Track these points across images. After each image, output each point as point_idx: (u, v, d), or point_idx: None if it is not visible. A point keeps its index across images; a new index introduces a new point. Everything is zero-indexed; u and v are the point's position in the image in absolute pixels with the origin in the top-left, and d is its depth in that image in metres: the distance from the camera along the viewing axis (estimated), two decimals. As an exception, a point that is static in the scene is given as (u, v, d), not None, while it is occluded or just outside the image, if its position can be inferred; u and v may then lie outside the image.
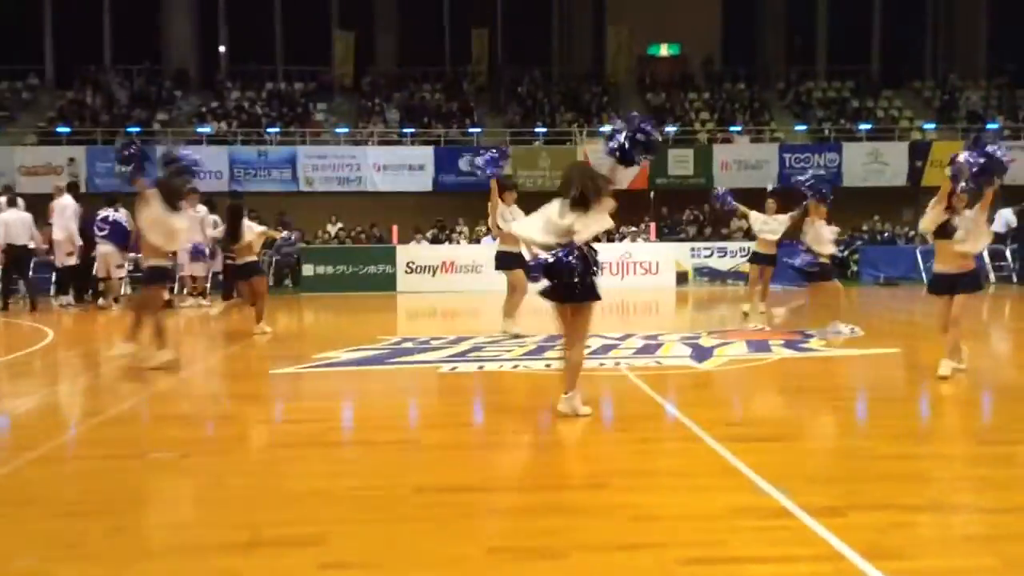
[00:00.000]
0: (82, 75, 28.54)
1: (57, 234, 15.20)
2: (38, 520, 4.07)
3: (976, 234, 7.18)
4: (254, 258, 11.31)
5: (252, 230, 11.09)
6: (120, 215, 15.20)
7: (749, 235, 15.71)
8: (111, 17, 30.42)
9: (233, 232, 10.98)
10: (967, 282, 7.27)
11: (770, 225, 12.15)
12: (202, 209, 15.33)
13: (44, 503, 4.35)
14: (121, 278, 15.90)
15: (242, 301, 11.89)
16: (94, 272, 15.42)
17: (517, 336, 9.95)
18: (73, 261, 15.27)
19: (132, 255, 16.46)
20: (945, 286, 7.31)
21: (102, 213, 15.16)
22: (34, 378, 8.39)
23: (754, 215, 12.38)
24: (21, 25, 29.72)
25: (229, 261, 16.07)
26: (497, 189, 10.04)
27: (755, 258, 12.53)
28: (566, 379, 6.03)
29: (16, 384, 8.04)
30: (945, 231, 7.17)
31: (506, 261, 10.05)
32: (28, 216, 15.24)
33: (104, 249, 15.00)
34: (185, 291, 16.09)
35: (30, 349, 9.98)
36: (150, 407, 6.74)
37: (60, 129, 24.98)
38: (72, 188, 16.41)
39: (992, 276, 19.45)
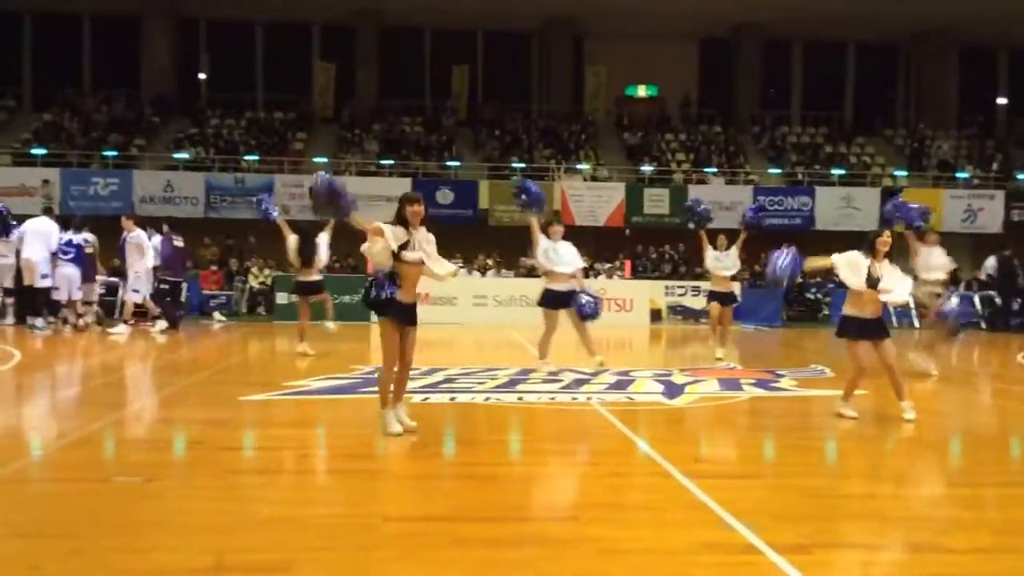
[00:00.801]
0: (60, 98, 28.42)
1: (36, 255, 15.00)
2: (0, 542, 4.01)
3: (897, 282, 7.35)
4: (319, 277, 11.91)
5: (323, 250, 11.78)
6: (81, 238, 15.21)
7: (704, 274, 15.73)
8: (91, 41, 30.37)
9: (308, 257, 11.69)
10: (881, 327, 7.41)
11: (723, 262, 12.13)
12: (140, 234, 15.11)
13: (5, 524, 4.28)
14: (86, 302, 15.70)
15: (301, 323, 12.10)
16: (56, 296, 15.24)
17: (553, 374, 9.80)
18: (48, 283, 15.12)
19: (101, 279, 16.42)
20: (856, 331, 7.41)
21: (65, 236, 15.19)
22: (-2, 400, 8.27)
23: (708, 252, 12.27)
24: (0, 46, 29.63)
25: (164, 286, 16.40)
26: (538, 226, 10.04)
27: (712, 296, 12.46)
28: None
29: (-20, 405, 7.92)
30: (871, 282, 7.34)
31: (555, 300, 10.08)
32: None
33: (67, 272, 15.05)
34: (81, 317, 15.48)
35: (-5, 370, 9.83)
36: (116, 431, 6.65)
37: (35, 151, 24.81)
38: (47, 212, 16.40)
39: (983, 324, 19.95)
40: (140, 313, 15.81)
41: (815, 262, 7.63)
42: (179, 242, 16.96)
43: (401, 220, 6.19)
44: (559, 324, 10.24)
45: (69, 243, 15.11)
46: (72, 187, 23.45)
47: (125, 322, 14.98)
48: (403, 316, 6.22)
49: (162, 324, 15.14)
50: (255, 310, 20.79)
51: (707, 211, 12.39)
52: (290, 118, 28.96)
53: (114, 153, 25.12)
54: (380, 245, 6.10)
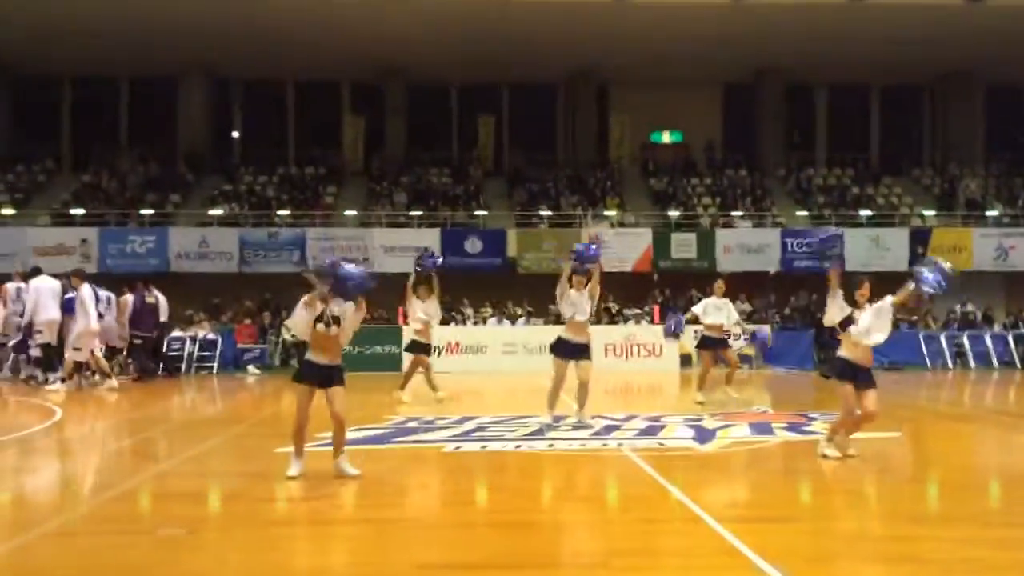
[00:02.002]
0: (98, 159, 29.18)
1: (54, 313, 15.37)
2: (46, 594, 4.14)
3: (876, 327, 7.34)
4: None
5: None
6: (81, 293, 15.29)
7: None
8: (128, 102, 31.23)
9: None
10: (868, 375, 7.44)
11: (722, 311, 12.25)
12: (85, 291, 14.96)
13: (52, 577, 4.41)
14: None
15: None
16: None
17: (558, 421, 9.73)
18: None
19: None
20: (850, 374, 7.45)
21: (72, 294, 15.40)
22: (45, 455, 8.46)
23: (699, 307, 12.70)
24: (39, 110, 30.50)
25: (136, 340, 16.98)
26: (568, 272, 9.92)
27: (705, 342, 12.73)
28: None
29: (27, 460, 8.12)
30: (847, 324, 7.37)
31: (568, 350, 9.83)
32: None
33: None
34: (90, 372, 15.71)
35: (39, 427, 10.05)
36: (158, 484, 6.80)
37: (73, 211, 25.44)
38: (36, 271, 16.51)
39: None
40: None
41: None
42: (151, 298, 17.43)
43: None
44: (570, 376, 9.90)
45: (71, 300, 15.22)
46: (110, 245, 23.96)
47: (62, 380, 14.92)
48: (315, 376, 6.79)
49: (111, 383, 14.78)
50: (288, 363, 21.00)
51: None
52: (321, 172, 29.49)
53: (150, 211, 25.69)
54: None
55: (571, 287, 9.92)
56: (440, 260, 12.51)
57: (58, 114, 30.98)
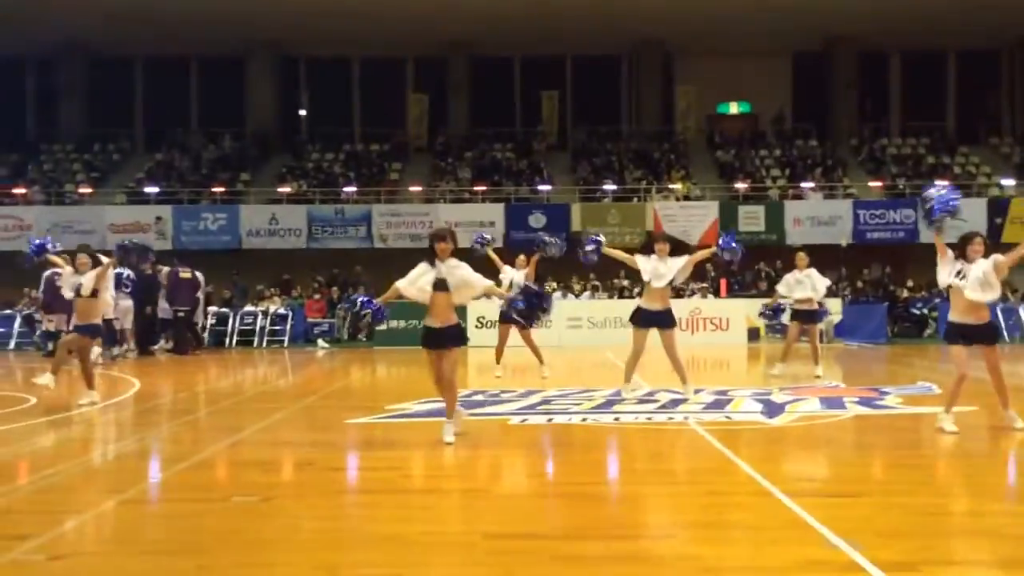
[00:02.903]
0: (170, 138, 29.91)
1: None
2: (127, 558, 4.29)
3: (988, 283, 7.09)
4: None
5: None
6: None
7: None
8: (198, 82, 31.88)
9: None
10: (984, 333, 7.24)
11: (805, 284, 11.94)
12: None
13: (133, 543, 4.57)
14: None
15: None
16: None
17: (642, 394, 9.64)
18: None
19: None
20: (958, 336, 7.24)
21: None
22: (123, 425, 8.77)
23: (782, 285, 12.47)
24: (113, 91, 31.33)
25: (179, 314, 17.78)
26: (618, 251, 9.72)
27: (795, 315, 12.31)
28: None
29: (106, 430, 8.43)
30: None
31: (646, 319, 9.46)
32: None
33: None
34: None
35: (118, 398, 10.41)
36: (233, 453, 6.99)
37: (148, 189, 26.12)
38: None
39: None
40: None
41: None
42: (186, 274, 17.86)
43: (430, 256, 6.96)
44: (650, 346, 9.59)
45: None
46: (183, 223, 24.58)
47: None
48: (430, 341, 6.99)
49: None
50: (356, 336, 21.33)
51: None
52: (386, 149, 29.75)
53: (221, 189, 26.23)
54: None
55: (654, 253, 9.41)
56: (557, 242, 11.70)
57: (131, 95, 31.78)
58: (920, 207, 7.35)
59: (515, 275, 11.97)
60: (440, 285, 6.85)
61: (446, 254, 6.90)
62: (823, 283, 12.16)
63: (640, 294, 10.16)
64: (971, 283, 7.04)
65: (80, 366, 9.67)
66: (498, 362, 12.11)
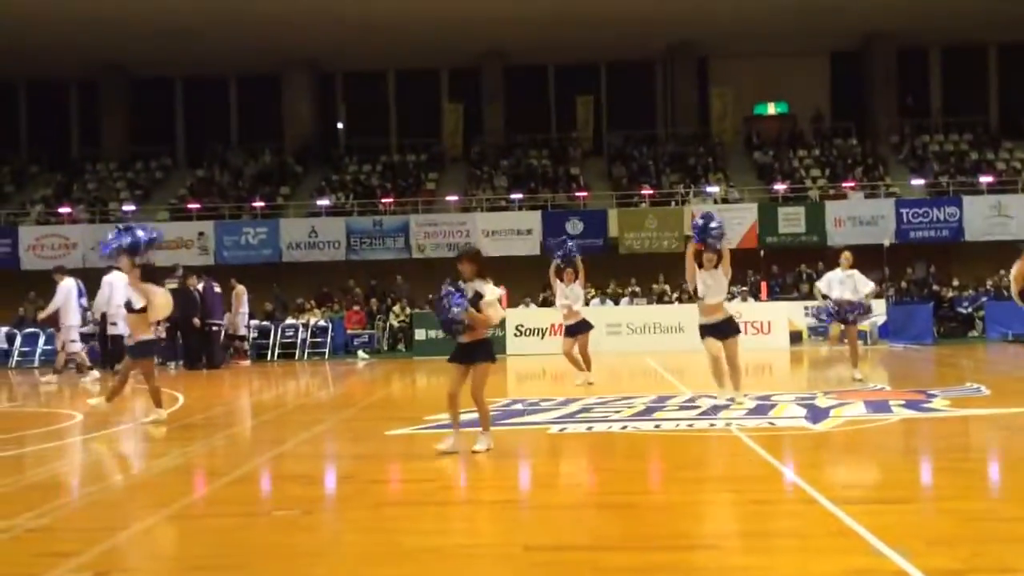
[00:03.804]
0: (211, 154, 30.35)
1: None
2: (171, 573, 4.33)
3: None
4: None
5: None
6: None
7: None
8: (237, 99, 32.34)
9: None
10: None
11: (846, 284, 11.57)
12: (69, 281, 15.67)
13: (176, 559, 4.62)
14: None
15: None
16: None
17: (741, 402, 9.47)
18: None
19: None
20: None
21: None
22: (168, 440, 8.87)
23: (822, 282, 11.91)
24: (155, 110, 31.91)
25: (215, 328, 17.78)
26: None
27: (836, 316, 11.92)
28: None
29: (153, 445, 8.53)
30: None
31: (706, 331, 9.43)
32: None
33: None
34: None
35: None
36: (275, 466, 7.04)
37: (190, 205, 26.51)
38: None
39: None
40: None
41: None
42: (218, 288, 18.01)
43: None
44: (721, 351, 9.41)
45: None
46: (225, 238, 24.91)
47: (56, 372, 15.69)
48: (459, 356, 7.10)
49: (95, 374, 15.26)
50: (396, 347, 21.44)
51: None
52: (422, 160, 29.91)
53: (261, 204, 26.53)
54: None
55: (700, 267, 9.32)
56: (575, 246, 12.45)
57: (172, 113, 32.33)
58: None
59: (569, 292, 12.10)
60: (472, 301, 6.87)
61: (467, 273, 6.97)
62: (868, 285, 11.84)
63: (684, 300, 10.06)
64: None
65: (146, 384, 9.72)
66: (589, 369, 12.16)
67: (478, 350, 7.04)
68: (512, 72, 30.96)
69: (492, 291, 6.98)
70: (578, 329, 12.23)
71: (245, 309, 19.49)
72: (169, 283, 16.28)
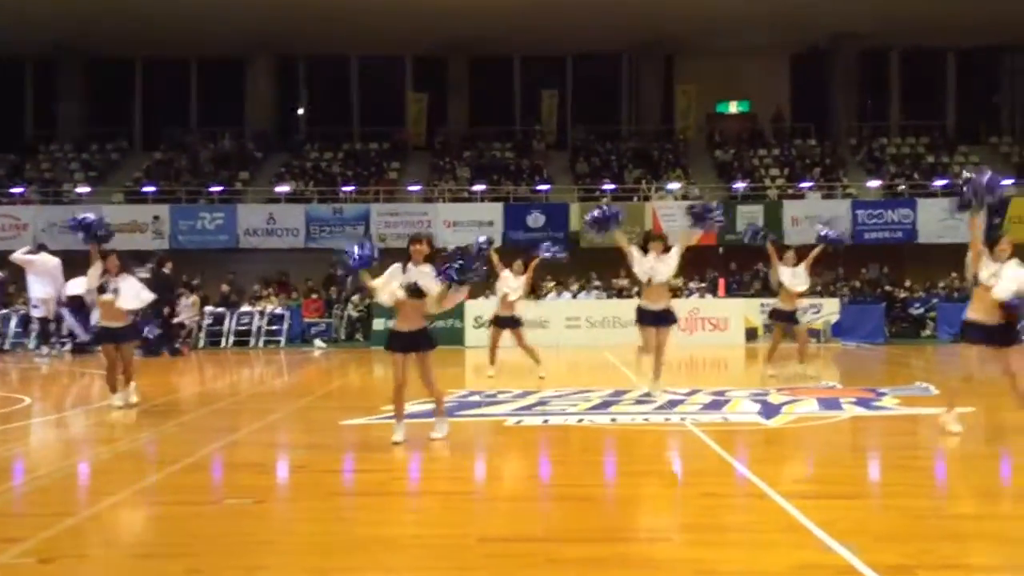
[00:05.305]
0: (169, 138, 29.84)
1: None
2: (119, 561, 4.26)
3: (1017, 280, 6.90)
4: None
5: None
6: None
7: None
8: (197, 83, 31.83)
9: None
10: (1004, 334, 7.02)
11: (799, 277, 11.72)
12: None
13: (124, 546, 4.55)
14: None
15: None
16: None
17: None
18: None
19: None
20: (978, 336, 7.07)
21: None
22: (116, 427, 8.72)
23: (782, 268, 11.77)
24: (112, 91, 31.28)
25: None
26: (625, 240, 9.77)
27: (778, 316, 12.02)
28: None
29: (100, 431, 8.38)
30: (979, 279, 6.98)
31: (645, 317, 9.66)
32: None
33: None
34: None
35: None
36: (226, 455, 6.95)
37: (146, 188, 26.05)
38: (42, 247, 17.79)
39: None
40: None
41: None
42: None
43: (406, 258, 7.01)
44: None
45: None
46: (180, 222, 24.50)
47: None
48: (397, 343, 6.98)
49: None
50: (353, 336, 21.29)
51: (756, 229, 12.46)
52: (384, 148, 29.69)
53: (219, 188, 26.16)
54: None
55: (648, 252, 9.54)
56: (560, 249, 12.55)
57: (130, 95, 31.72)
58: (967, 192, 7.01)
59: (511, 282, 12.04)
60: (412, 289, 6.82)
61: (420, 256, 6.91)
62: (806, 281, 11.99)
63: (639, 294, 10.20)
64: (1004, 284, 6.84)
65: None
66: (492, 363, 12.16)
67: (421, 338, 6.98)
68: (477, 62, 30.83)
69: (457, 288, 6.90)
70: (507, 324, 12.25)
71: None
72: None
